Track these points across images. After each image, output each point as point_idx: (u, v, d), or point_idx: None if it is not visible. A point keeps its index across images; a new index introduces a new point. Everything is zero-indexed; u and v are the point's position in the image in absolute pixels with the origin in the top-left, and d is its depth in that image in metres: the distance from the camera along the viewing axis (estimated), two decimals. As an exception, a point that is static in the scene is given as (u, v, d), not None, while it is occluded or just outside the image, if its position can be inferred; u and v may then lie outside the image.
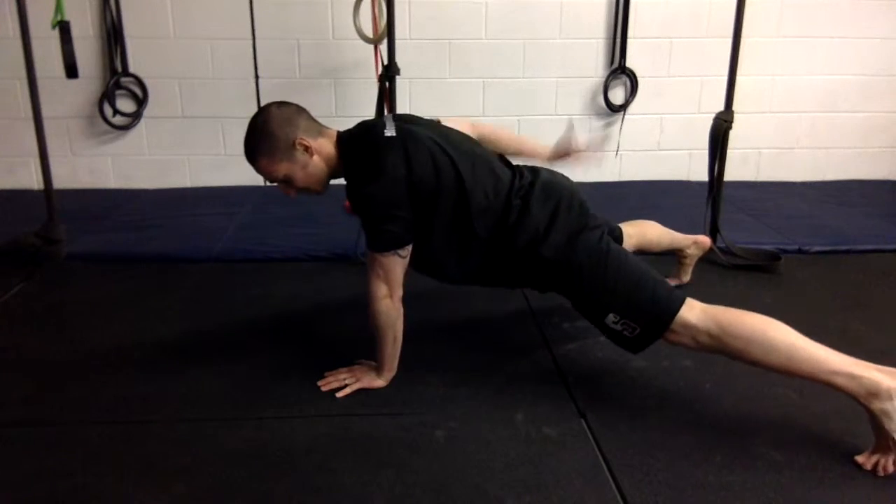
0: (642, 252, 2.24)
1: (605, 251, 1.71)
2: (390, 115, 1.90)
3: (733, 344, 1.57)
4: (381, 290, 1.69)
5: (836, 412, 1.65)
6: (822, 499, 1.40)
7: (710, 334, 1.58)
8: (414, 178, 1.66)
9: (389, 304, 1.71)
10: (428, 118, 1.94)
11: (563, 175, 1.91)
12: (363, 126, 1.82)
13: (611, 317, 1.67)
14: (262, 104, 1.89)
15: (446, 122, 1.92)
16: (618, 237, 2.11)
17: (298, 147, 1.69)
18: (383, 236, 1.67)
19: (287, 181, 1.75)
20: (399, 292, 1.72)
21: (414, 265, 1.78)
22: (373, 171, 1.66)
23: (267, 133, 1.69)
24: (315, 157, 1.73)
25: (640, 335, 1.66)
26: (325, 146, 1.75)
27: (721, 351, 1.60)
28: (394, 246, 1.67)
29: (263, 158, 1.71)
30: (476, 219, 1.72)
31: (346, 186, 1.75)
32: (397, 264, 1.70)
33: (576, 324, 2.14)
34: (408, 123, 1.81)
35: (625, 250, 1.78)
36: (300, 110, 1.75)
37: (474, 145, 1.87)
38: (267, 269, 2.63)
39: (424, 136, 1.74)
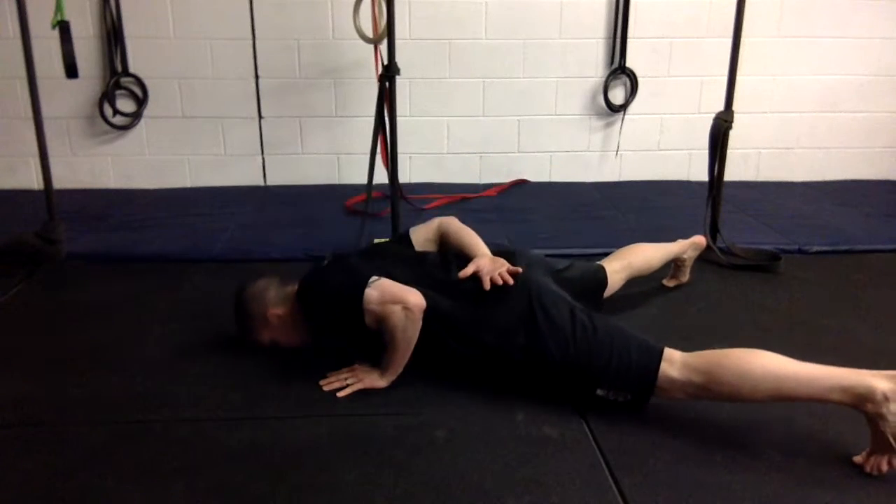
0: (638, 279, 2.24)
1: (572, 333, 1.68)
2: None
3: (721, 390, 1.56)
4: (394, 308, 1.69)
5: (836, 412, 1.64)
6: (822, 499, 1.40)
7: (696, 385, 1.57)
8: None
9: (403, 314, 1.69)
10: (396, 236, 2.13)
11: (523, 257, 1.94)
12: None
13: (599, 391, 1.67)
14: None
15: (414, 234, 2.04)
16: (600, 281, 2.10)
17: (271, 318, 1.88)
18: (351, 296, 1.72)
19: (274, 343, 1.92)
20: (411, 298, 1.70)
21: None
22: (312, 283, 1.85)
23: (244, 315, 1.92)
24: (287, 318, 1.88)
25: (633, 400, 1.66)
26: (292, 306, 1.88)
27: (712, 398, 1.60)
28: (361, 291, 1.70)
29: (249, 335, 1.93)
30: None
31: (305, 313, 1.86)
32: (385, 284, 1.72)
33: (576, 324, 2.14)
34: (346, 254, 2.02)
35: (593, 318, 1.73)
36: (269, 284, 1.93)
37: (407, 255, 1.97)
38: (267, 269, 2.61)
39: (351, 258, 1.95)
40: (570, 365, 1.68)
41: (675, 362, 1.60)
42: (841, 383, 1.46)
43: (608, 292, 2.13)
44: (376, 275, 1.75)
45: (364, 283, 1.72)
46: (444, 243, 2.02)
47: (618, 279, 2.15)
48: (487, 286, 1.77)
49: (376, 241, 2.37)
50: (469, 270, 1.83)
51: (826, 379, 1.48)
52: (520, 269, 1.81)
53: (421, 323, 1.73)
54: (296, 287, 1.90)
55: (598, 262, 2.17)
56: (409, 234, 2.06)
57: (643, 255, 2.25)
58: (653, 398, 1.64)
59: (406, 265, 1.89)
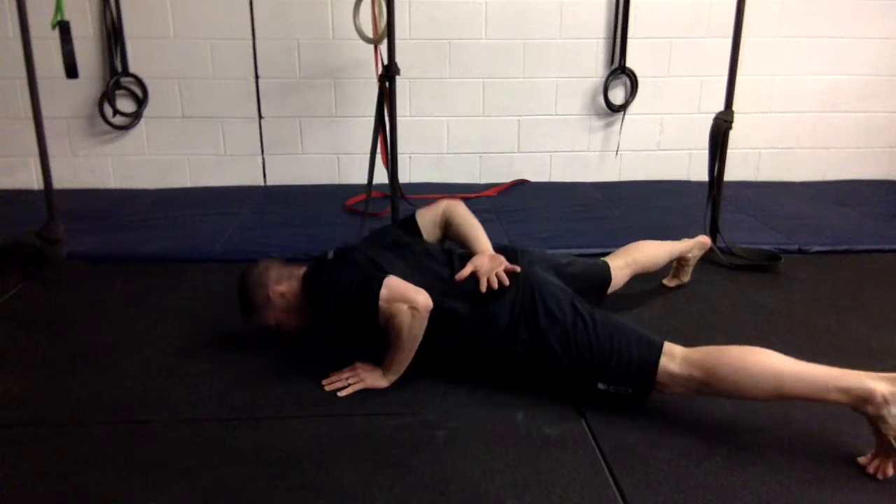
0: (642, 275, 2.24)
1: (572, 328, 1.69)
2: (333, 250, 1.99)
3: (721, 386, 1.56)
4: (402, 308, 1.68)
5: (836, 412, 1.64)
6: (822, 499, 1.40)
7: (696, 381, 1.58)
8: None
9: (410, 314, 1.69)
10: (399, 220, 2.10)
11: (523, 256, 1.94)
12: (314, 262, 1.98)
13: (600, 385, 1.67)
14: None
15: (420, 217, 2.04)
16: (604, 278, 2.09)
17: (273, 297, 1.87)
18: (363, 292, 1.71)
19: (279, 325, 1.92)
20: (420, 299, 1.69)
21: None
22: (320, 280, 1.84)
23: (247, 298, 1.91)
24: (291, 299, 1.88)
25: (634, 394, 1.66)
26: (295, 286, 1.89)
27: (712, 394, 1.60)
28: (377, 289, 1.69)
29: (254, 317, 1.92)
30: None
31: (312, 308, 1.86)
32: (395, 282, 1.71)
33: (576, 324, 2.14)
34: (351, 245, 2.00)
35: (593, 314, 1.73)
36: (269, 265, 1.93)
37: (412, 249, 1.94)
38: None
39: (357, 249, 1.92)
40: (572, 359, 1.68)
41: (675, 357, 1.61)
42: (841, 384, 1.46)
43: (612, 289, 2.13)
44: (382, 272, 1.75)
45: (378, 283, 1.69)
46: (448, 230, 2.02)
47: (622, 276, 2.15)
48: (484, 288, 1.77)
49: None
50: (466, 271, 1.83)
51: (826, 379, 1.48)
52: (518, 268, 1.81)
53: (426, 323, 1.72)
54: (300, 270, 1.91)
55: (603, 259, 2.17)
56: (415, 219, 2.04)
57: (648, 253, 2.25)
58: (653, 393, 1.64)
59: (411, 260, 1.88)
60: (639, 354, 1.63)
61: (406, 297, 1.69)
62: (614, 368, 1.65)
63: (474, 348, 1.78)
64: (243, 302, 1.93)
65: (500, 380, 1.82)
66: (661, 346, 1.63)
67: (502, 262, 1.83)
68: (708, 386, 1.58)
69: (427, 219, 2.04)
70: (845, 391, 1.46)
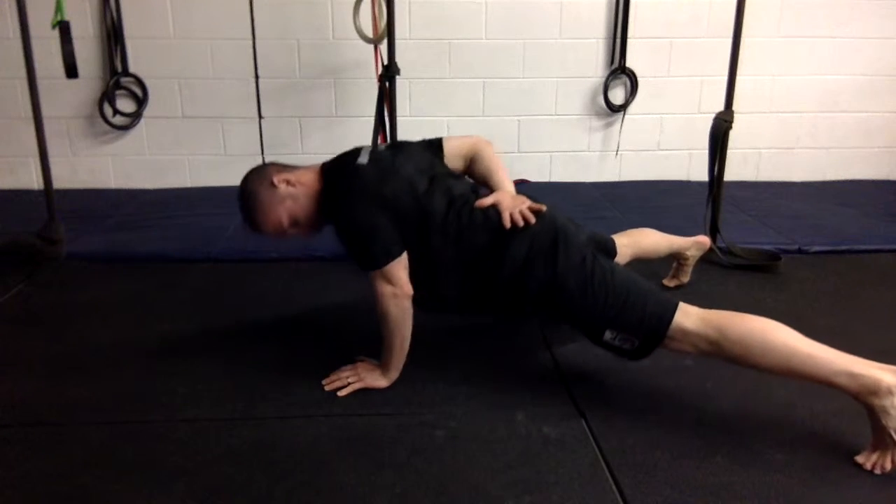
0: (641, 260, 2.24)
1: (591, 272, 1.68)
2: (369, 146, 1.90)
3: (732, 349, 1.56)
4: (386, 289, 1.69)
5: (836, 412, 1.65)
6: (822, 499, 1.40)
7: (708, 340, 1.58)
8: (386, 204, 1.70)
9: (397, 303, 1.70)
10: (425, 140, 1.97)
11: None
12: (341, 155, 1.87)
13: (608, 334, 1.67)
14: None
15: (447, 142, 1.94)
16: (610, 249, 2.08)
17: (279, 185, 1.75)
18: (372, 256, 1.69)
19: (294, 223, 1.79)
20: (407, 290, 1.71)
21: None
22: (348, 198, 1.72)
23: (247, 195, 1.78)
24: (300, 187, 1.78)
25: (640, 347, 1.66)
26: (305, 175, 1.80)
27: (721, 356, 1.60)
28: (385, 260, 1.69)
29: (260, 216, 1.77)
30: (440, 241, 1.74)
31: (329, 216, 1.79)
32: (396, 267, 1.70)
33: (576, 324, 2.14)
34: (385, 151, 1.85)
35: (612, 265, 1.74)
36: (268, 164, 1.85)
37: (440, 169, 1.88)
38: (267, 269, 2.63)
39: (393, 164, 1.79)
40: (586, 302, 1.67)
41: (690, 314, 1.61)
42: (849, 369, 1.46)
43: None
44: (421, 189, 1.73)
45: (386, 258, 1.68)
46: (472, 164, 1.95)
47: (625, 253, 2.16)
48: (508, 223, 1.71)
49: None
50: (488, 200, 1.77)
51: (835, 362, 1.48)
52: (543, 207, 1.77)
53: (410, 312, 1.72)
54: (314, 165, 1.83)
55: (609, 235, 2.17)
56: (441, 142, 1.95)
57: (651, 239, 2.27)
58: (658, 350, 1.64)
59: (445, 186, 1.80)
60: (654, 305, 1.64)
61: (397, 282, 1.69)
62: (628, 315, 1.64)
63: (480, 282, 1.75)
64: (250, 205, 1.77)
65: (500, 381, 1.82)
66: (677, 304, 1.64)
67: (525, 201, 1.79)
68: (717, 347, 1.57)
69: (454, 145, 1.94)
70: (853, 377, 1.45)
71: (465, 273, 1.76)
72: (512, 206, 1.75)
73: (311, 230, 1.84)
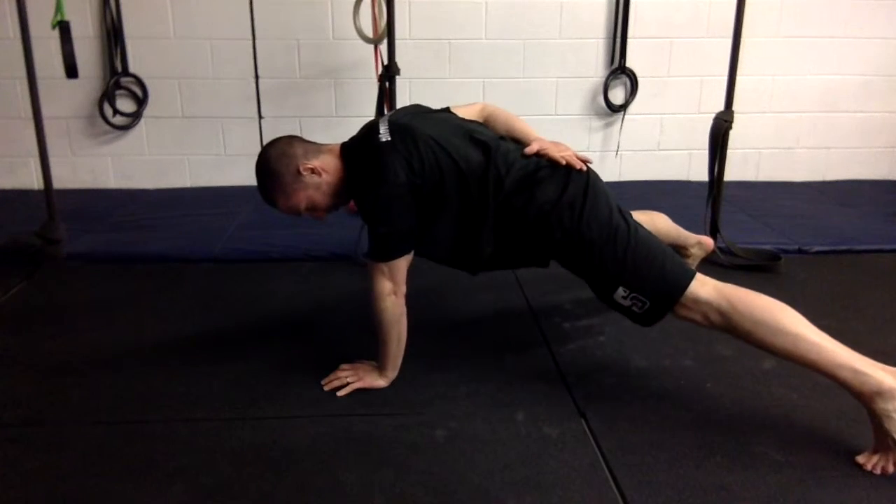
0: None
1: (616, 226, 1.69)
2: (386, 116, 1.86)
3: (742, 323, 1.56)
4: (384, 286, 1.70)
5: (836, 412, 1.65)
6: (822, 499, 1.40)
7: (720, 311, 1.58)
8: (415, 180, 1.67)
9: (394, 301, 1.71)
10: (434, 108, 1.94)
11: None
12: (361, 133, 1.83)
13: (620, 291, 1.66)
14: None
15: (456, 110, 1.93)
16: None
17: (304, 173, 1.72)
18: (386, 246, 1.69)
19: (312, 209, 1.78)
20: (403, 289, 1.73)
21: (430, 255, 1.79)
22: (373, 180, 1.68)
23: (271, 175, 1.73)
24: (324, 175, 1.74)
25: (650, 310, 1.66)
26: (329, 161, 1.76)
27: (729, 329, 1.60)
28: (396, 254, 1.69)
29: (280, 198, 1.75)
30: (480, 190, 1.72)
31: (353, 196, 1.77)
32: (401, 263, 1.71)
33: (576, 324, 2.14)
34: (403, 118, 1.81)
35: (637, 225, 1.74)
36: (291, 140, 1.78)
37: (462, 123, 1.86)
38: (267, 269, 2.63)
39: (417, 130, 1.73)
40: (605, 255, 1.67)
41: (706, 283, 1.62)
42: (853, 365, 1.46)
43: None
44: (453, 145, 1.72)
45: (398, 250, 1.69)
46: (489, 124, 1.95)
47: None
48: (563, 161, 1.73)
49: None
50: (534, 148, 1.78)
51: (841, 355, 1.48)
52: (590, 159, 1.79)
53: (405, 310, 1.74)
54: (330, 145, 1.80)
55: None
56: (450, 110, 1.94)
57: (665, 223, 2.28)
58: (668, 316, 1.65)
59: (476, 137, 1.79)
60: (672, 269, 1.65)
61: (397, 279, 1.70)
62: (643, 274, 1.64)
63: (510, 225, 1.74)
64: (270, 185, 1.74)
65: (500, 380, 1.82)
66: (694, 272, 1.65)
67: (568, 148, 1.80)
68: (727, 320, 1.58)
69: (464, 112, 1.94)
70: (856, 373, 1.45)
71: (498, 220, 1.75)
72: (558, 150, 1.77)
73: (326, 213, 1.82)
